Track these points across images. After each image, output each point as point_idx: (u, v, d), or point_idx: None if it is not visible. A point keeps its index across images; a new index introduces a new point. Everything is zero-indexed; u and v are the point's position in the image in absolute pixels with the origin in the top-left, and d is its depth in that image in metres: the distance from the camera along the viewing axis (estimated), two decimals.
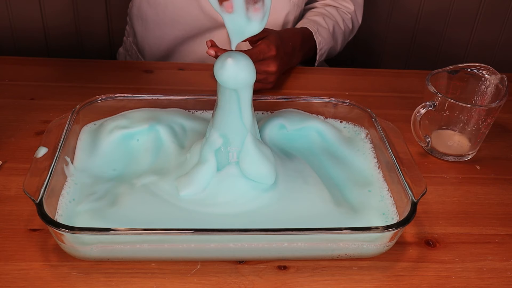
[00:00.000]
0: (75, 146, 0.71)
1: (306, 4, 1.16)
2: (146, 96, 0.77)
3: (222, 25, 1.07)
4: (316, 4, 1.16)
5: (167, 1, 1.07)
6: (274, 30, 0.96)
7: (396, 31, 1.51)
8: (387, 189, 0.68)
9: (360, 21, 1.20)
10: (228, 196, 0.64)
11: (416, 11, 1.47)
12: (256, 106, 0.73)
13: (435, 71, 0.81)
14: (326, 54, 1.11)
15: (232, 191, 0.64)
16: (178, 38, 1.12)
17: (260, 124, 0.75)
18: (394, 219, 0.63)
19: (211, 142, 0.64)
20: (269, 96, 0.86)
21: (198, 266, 0.60)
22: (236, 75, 0.60)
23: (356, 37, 1.24)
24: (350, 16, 1.16)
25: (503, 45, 1.53)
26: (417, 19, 1.48)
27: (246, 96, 0.63)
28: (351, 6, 1.16)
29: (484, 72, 0.80)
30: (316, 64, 1.10)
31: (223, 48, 0.89)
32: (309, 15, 1.13)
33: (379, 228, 0.58)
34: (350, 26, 1.17)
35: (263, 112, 0.80)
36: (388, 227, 0.58)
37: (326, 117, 0.80)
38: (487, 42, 1.53)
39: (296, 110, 0.80)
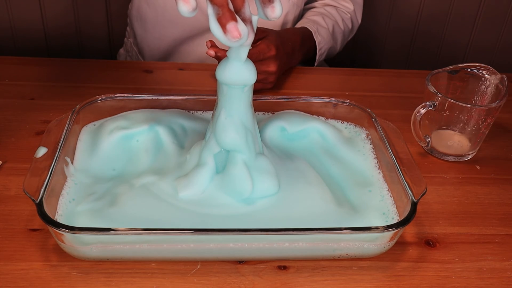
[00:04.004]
0: (75, 146, 0.71)
1: (306, 4, 1.16)
2: (146, 96, 0.77)
3: None
4: (315, 4, 1.16)
5: (166, 1, 1.07)
6: (274, 30, 0.96)
7: (396, 34, 1.51)
8: (387, 189, 0.68)
9: (359, 21, 1.20)
10: (228, 197, 0.64)
11: (416, 13, 1.47)
12: (256, 107, 0.73)
13: (435, 71, 0.81)
14: (326, 54, 1.11)
15: (232, 193, 0.64)
16: (177, 39, 1.12)
17: (261, 126, 0.75)
18: (394, 219, 0.63)
19: (211, 146, 0.64)
20: (269, 96, 0.86)
21: (198, 266, 0.60)
22: (238, 76, 0.60)
23: (356, 39, 1.24)
24: (349, 16, 1.16)
25: (502, 48, 1.53)
26: (416, 21, 1.48)
27: (246, 96, 0.63)
28: (350, 6, 1.17)
29: (484, 72, 0.80)
30: (315, 64, 1.10)
31: (222, 48, 0.89)
32: (309, 14, 1.13)
33: (379, 228, 0.58)
34: (350, 26, 1.17)
35: (264, 112, 0.80)
36: (388, 227, 0.58)
37: (327, 118, 0.80)
38: (486, 45, 1.53)
39: (297, 111, 0.80)
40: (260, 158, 0.65)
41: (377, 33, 1.51)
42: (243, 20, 0.52)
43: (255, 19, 0.55)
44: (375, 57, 1.56)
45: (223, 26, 0.51)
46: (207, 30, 1.08)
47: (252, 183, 0.63)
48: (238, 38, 0.51)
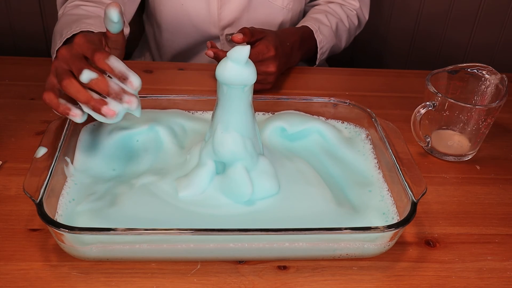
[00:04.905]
0: (75, 146, 0.71)
1: (309, 1, 1.16)
2: (146, 96, 0.77)
3: (215, 38, 1.08)
4: (319, 1, 1.16)
5: (161, 21, 1.08)
6: (272, 30, 0.96)
7: (396, 34, 1.51)
8: (387, 189, 0.68)
9: (367, 17, 1.19)
10: (228, 198, 0.63)
11: (416, 12, 1.47)
12: (256, 107, 0.73)
13: (435, 71, 0.81)
14: (329, 52, 1.11)
15: (232, 196, 0.64)
16: (176, 57, 1.14)
17: (261, 126, 0.75)
18: (394, 219, 0.63)
19: (210, 150, 0.64)
20: (269, 96, 0.86)
21: (198, 266, 0.60)
22: (238, 76, 0.60)
23: (356, 39, 1.24)
24: (355, 12, 1.16)
25: (503, 47, 1.53)
26: (416, 21, 1.48)
27: (246, 96, 0.63)
28: (356, 3, 1.16)
29: (484, 72, 0.80)
30: (317, 63, 1.09)
31: (222, 49, 0.89)
32: (312, 12, 1.12)
33: (380, 228, 0.58)
34: (356, 22, 1.16)
35: (264, 113, 0.80)
36: (389, 227, 0.58)
37: (327, 118, 0.80)
38: (487, 44, 1.53)
39: (297, 112, 0.80)
40: (260, 159, 0.65)
41: (377, 33, 1.51)
42: (116, 96, 0.60)
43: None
44: (375, 57, 1.56)
45: (99, 113, 0.60)
46: (201, 44, 1.10)
47: (252, 187, 0.63)
48: (114, 115, 0.60)
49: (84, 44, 0.62)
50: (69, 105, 0.62)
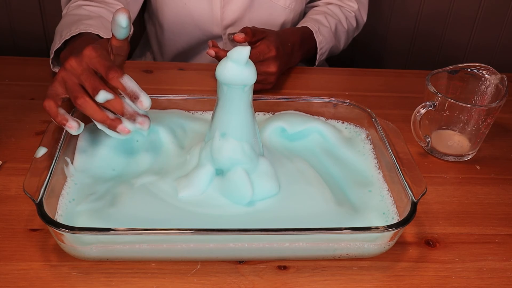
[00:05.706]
0: (75, 146, 0.71)
1: (308, 2, 1.16)
2: None
3: (217, 37, 1.08)
4: (318, 2, 1.16)
5: (164, 20, 1.08)
6: (273, 30, 0.96)
7: (396, 34, 1.51)
8: (387, 189, 0.68)
9: (365, 19, 1.20)
10: (228, 200, 0.63)
11: (416, 13, 1.47)
12: (257, 107, 0.73)
13: (435, 71, 0.81)
14: (328, 53, 1.11)
15: (232, 198, 0.64)
16: (177, 57, 1.14)
17: (261, 127, 0.75)
18: (394, 219, 0.63)
19: (209, 153, 0.64)
20: (269, 96, 0.86)
21: (198, 266, 0.60)
22: (238, 76, 0.60)
23: (356, 39, 1.24)
24: (353, 14, 1.16)
25: (502, 47, 1.53)
26: (416, 21, 1.48)
27: (246, 96, 0.63)
28: (354, 5, 1.16)
29: (484, 72, 0.80)
30: (316, 63, 1.10)
31: (223, 49, 0.89)
32: (311, 13, 1.13)
33: (380, 228, 0.58)
34: (354, 24, 1.17)
35: (264, 113, 0.80)
36: (389, 227, 0.58)
37: (327, 118, 0.80)
38: (486, 45, 1.53)
39: (297, 112, 0.80)
40: (260, 160, 0.65)
41: (377, 33, 1.51)
42: (130, 117, 0.62)
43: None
44: (375, 57, 1.56)
45: (114, 130, 0.63)
46: (204, 42, 1.10)
47: (252, 190, 0.63)
48: (128, 133, 0.63)
49: (95, 58, 0.62)
50: (67, 116, 0.64)
